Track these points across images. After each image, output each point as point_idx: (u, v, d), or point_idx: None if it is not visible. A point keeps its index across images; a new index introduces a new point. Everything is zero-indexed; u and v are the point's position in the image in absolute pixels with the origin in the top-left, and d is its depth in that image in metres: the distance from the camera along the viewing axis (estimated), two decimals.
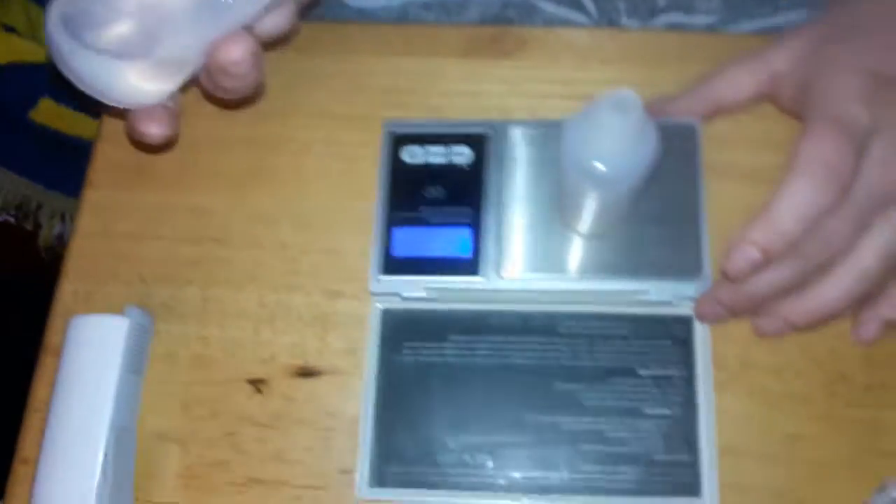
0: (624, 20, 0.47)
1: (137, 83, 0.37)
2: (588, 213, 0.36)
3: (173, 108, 0.39)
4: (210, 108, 0.45)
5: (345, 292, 0.41)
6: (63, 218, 0.74)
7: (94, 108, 0.66)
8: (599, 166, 0.32)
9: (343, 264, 0.42)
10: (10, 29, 0.66)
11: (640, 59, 0.44)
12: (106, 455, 0.37)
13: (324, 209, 0.43)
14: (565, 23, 0.48)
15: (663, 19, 0.47)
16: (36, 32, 0.68)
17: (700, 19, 0.47)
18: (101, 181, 0.45)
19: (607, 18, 0.48)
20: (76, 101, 0.66)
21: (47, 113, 0.66)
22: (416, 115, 0.44)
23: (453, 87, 0.45)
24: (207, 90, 0.40)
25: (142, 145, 0.43)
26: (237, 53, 0.36)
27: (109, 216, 0.44)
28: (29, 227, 0.73)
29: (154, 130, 0.38)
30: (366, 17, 0.50)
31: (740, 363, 0.39)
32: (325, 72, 0.46)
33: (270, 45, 0.41)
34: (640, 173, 0.33)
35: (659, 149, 0.32)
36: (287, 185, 0.44)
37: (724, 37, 0.46)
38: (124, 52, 0.36)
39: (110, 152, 0.45)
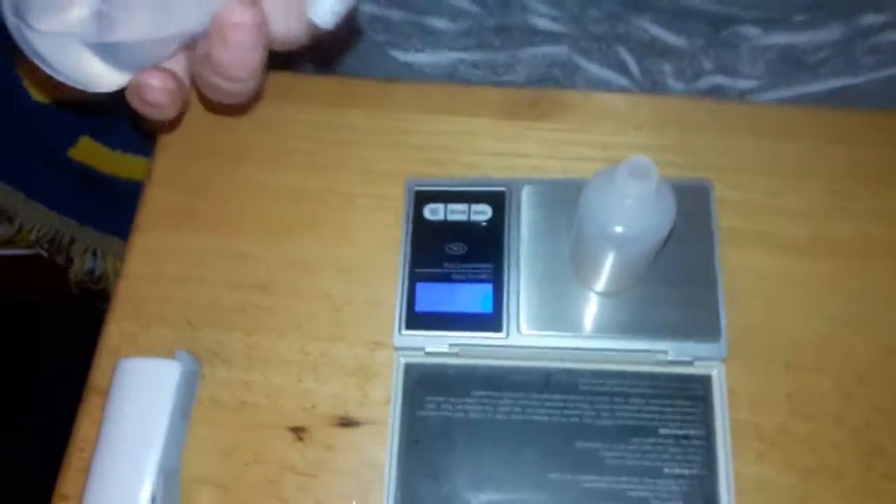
0: (669, 82, 0.49)
1: (95, 66, 0.36)
2: (606, 272, 0.38)
3: (178, 72, 0.38)
4: (256, 157, 0.47)
5: (385, 343, 0.42)
6: (94, 253, 0.75)
7: (134, 145, 0.68)
8: (617, 229, 0.33)
9: (383, 315, 0.43)
10: None
11: (674, 125, 0.46)
12: (153, 497, 0.38)
13: (365, 260, 0.44)
14: (609, 84, 0.49)
15: (706, 81, 0.49)
16: None
17: (742, 83, 0.49)
18: (149, 225, 0.46)
19: (651, 80, 0.49)
20: (115, 138, 0.68)
21: (86, 151, 0.68)
22: (452, 173, 0.45)
23: (491, 146, 0.46)
24: (201, 80, 0.39)
25: (146, 121, 0.42)
26: (244, 16, 0.33)
27: (157, 260, 0.45)
28: (61, 261, 0.74)
29: (154, 82, 0.36)
30: (413, 71, 0.51)
31: (777, 433, 0.39)
32: (369, 127, 0.47)
33: (284, 57, 0.39)
34: (655, 236, 0.34)
35: (674, 212, 0.34)
36: (330, 236, 0.45)
37: (758, 106, 0.48)
38: (81, 35, 0.35)
39: (159, 197, 0.47)
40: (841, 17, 0.47)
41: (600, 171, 0.34)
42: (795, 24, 0.48)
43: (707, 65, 0.49)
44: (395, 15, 0.52)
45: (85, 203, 0.72)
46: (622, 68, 0.50)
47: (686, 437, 0.39)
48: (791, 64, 0.49)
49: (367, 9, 0.53)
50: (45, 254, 0.76)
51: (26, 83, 0.66)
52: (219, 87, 0.38)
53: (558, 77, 0.49)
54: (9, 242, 0.73)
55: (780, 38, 0.49)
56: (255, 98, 0.44)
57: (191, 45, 0.38)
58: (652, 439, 0.39)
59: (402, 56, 0.51)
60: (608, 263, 0.37)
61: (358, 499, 0.40)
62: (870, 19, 0.47)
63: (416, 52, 0.51)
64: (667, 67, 0.49)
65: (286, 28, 0.36)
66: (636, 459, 0.39)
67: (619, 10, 0.49)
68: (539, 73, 0.49)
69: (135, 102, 0.38)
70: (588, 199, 0.34)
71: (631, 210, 0.33)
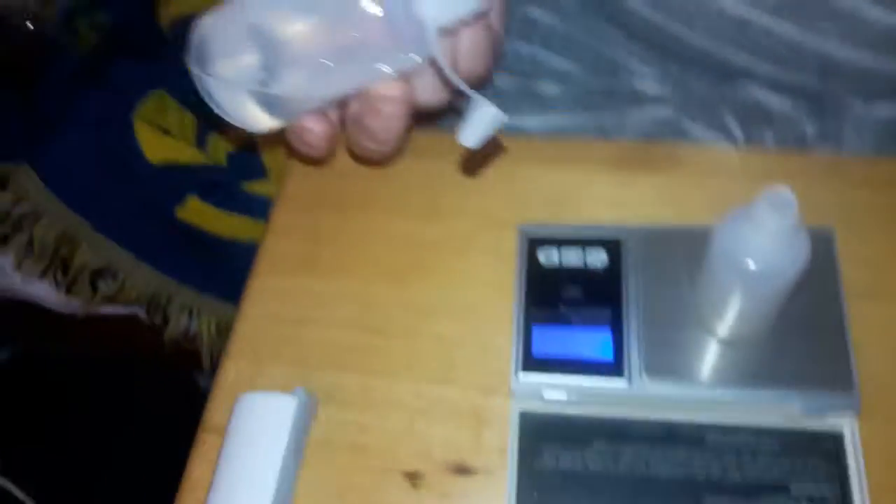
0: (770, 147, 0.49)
1: (255, 111, 0.39)
2: (734, 315, 0.37)
3: (333, 119, 0.41)
4: (375, 205, 0.48)
5: (498, 389, 0.42)
6: (191, 313, 0.77)
7: (239, 206, 0.71)
8: (750, 265, 0.33)
9: (495, 361, 0.42)
10: (166, 131, 0.72)
11: (789, 179, 0.45)
12: None
13: (480, 305, 0.44)
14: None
15: (810, 149, 0.49)
16: (187, 136, 0.75)
17: (846, 152, 0.49)
18: (268, 270, 0.47)
19: (753, 146, 0.50)
20: (221, 198, 0.70)
21: (193, 210, 0.70)
22: (566, 222, 0.46)
23: (604, 196, 0.47)
24: (352, 139, 0.42)
25: (300, 154, 0.45)
26: (395, 91, 0.37)
27: (275, 302, 0.46)
28: (157, 320, 0.76)
29: (314, 127, 0.40)
30: (521, 136, 0.53)
31: None
32: (485, 178, 0.48)
33: (425, 116, 0.43)
34: (789, 274, 0.33)
35: (809, 251, 0.33)
36: (445, 281, 0.45)
37: (880, 161, 0.47)
38: (246, 83, 0.38)
39: (278, 245, 0.48)
40: None
41: (735, 208, 0.34)
42: None
43: (810, 131, 0.49)
44: (502, 80, 0.54)
45: (186, 263, 0.75)
46: (726, 132, 0.50)
47: (820, 497, 0.37)
48: None
49: None
50: (142, 313, 0.78)
51: (142, 144, 0.69)
52: (365, 146, 0.41)
53: (667, 136, 0.50)
54: (110, 300, 0.75)
55: (885, 110, 0.49)
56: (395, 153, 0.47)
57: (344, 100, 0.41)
58: (783, 498, 0.37)
59: (509, 121, 0.53)
60: (737, 305, 0.36)
61: None
62: None
63: (524, 116, 0.53)
64: (769, 134, 0.50)
65: (429, 99, 0.40)
66: None
67: (722, 78, 0.49)
68: (647, 132, 0.50)
69: (294, 141, 0.41)
70: (721, 236, 0.34)
71: (766, 245, 0.33)
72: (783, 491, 0.37)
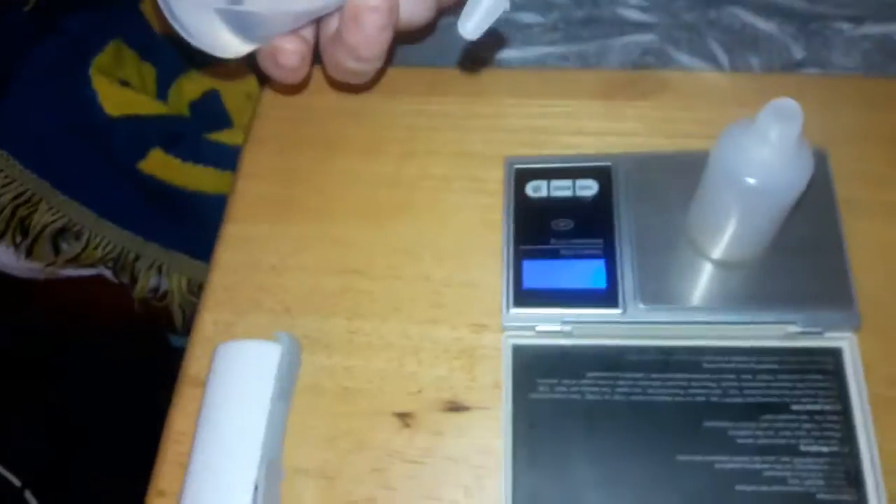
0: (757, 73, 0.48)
1: (225, 34, 0.37)
2: (731, 235, 0.36)
3: (307, 38, 0.39)
4: (350, 146, 0.46)
5: (489, 326, 0.41)
6: (160, 270, 0.74)
7: (204, 157, 0.68)
8: (753, 179, 0.32)
9: (484, 297, 0.41)
10: (124, 83, 0.69)
11: None
12: (257, 487, 0.36)
13: (463, 243, 0.43)
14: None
15: (798, 73, 0.48)
16: (147, 87, 0.71)
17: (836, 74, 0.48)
18: (241, 216, 0.45)
19: (739, 71, 0.48)
20: (185, 150, 0.67)
21: (156, 163, 0.67)
22: (552, 154, 0.44)
23: (590, 126, 0.45)
24: (330, 61, 0.40)
25: (274, 80, 0.42)
26: (375, 0, 0.35)
27: (251, 248, 0.44)
28: (125, 279, 0.74)
29: (289, 46, 0.38)
30: (501, 67, 0.51)
31: None
32: (463, 113, 0.46)
33: (409, 36, 0.41)
34: (791, 191, 0.32)
35: (812, 168, 0.32)
36: (427, 220, 0.44)
37: (869, 81, 0.46)
38: (211, 3, 0.36)
39: (251, 188, 0.46)
40: None
41: (735, 122, 0.33)
42: (891, 16, 0.47)
43: (797, 54, 0.48)
44: None
45: (151, 218, 0.72)
46: (711, 59, 0.49)
47: (821, 412, 0.37)
48: (889, 54, 0.48)
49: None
50: (109, 273, 0.75)
51: (100, 97, 0.66)
52: (346, 66, 0.39)
53: (651, 65, 0.48)
54: (74, 260, 0.72)
55: (875, 29, 0.48)
56: (377, 78, 0.45)
57: (316, 20, 0.39)
58: (784, 416, 0.37)
59: (489, 52, 0.51)
60: (735, 224, 0.35)
61: (470, 486, 0.37)
62: None
63: (504, 48, 0.51)
64: (755, 60, 0.48)
65: (412, 13, 0.38)
66: (769, 438, 0.36)
67: (707, 1, 0.48)
68: (631, 61, 0.49)
69: (267, 65, 0.40)
70: (721, 151, 0.32)
71: (768, 160, 0.31)
72: (784, 409, 0.37)
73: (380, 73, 0.46)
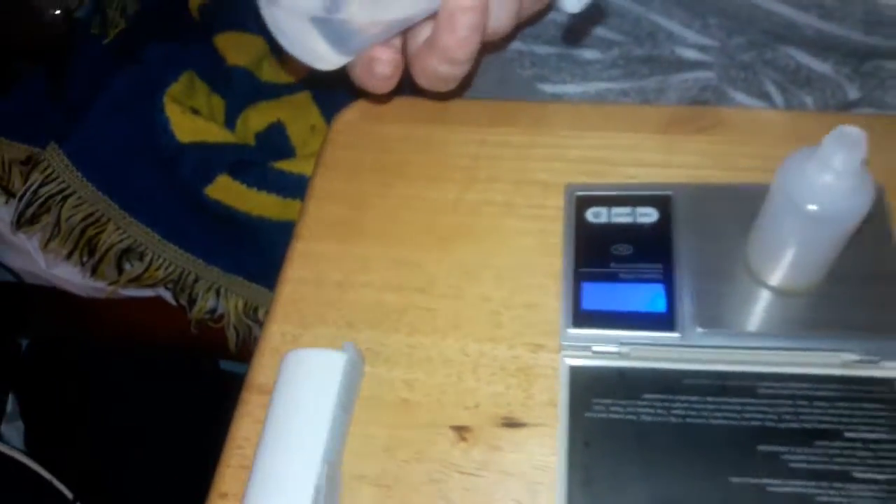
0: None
1: (321, 45, 0.39)
2: (790, 262, 0.36)
3: (399, 47, 0.41)
4: (415, 173, 0.48)
5: (546, 346, 0.42)
6: (218, 293, 0.77)
7: (270, 184, 0.71)
8: (811, 207, 0.33)
9: (542, 318, 0.42)
10: (195, 111, 0.72)
11: None
12: (318, 489, 0.37)
13: (523, 266, 0.44)
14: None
15: (853, 113, 0.49)
16: (216, 118, 0.75)
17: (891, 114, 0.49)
18: (309, 234, 0.47)
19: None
20: (252, 177, 0.70)
21: (222, 189, 0.70)
22: (612, 182, 0.46)
23: (650, 158, 0.46)
24: (420, 67, 0.41)
25: (367, 89, 0.44)
26: (469, 1, 0.37)
27: (317, 266, 0.46)
28: (184, 300, 0.76)
29: (383, 56, 0.40)
30: (562, 101, 0.53)
31: None
32: (525, 143, 0.48)
33: (484, 49, 0.42)
34: (852, 218, 0.33)
35: (873, 195, 0.33)
36: (488, 243, 0.45)
37: None
38: (311, 9, 0.38)
39: (320, 209, 0.48)
40: None
41: (799, 149, 0.34)
42: None
43: (852, 94, 0.49)
44: (542, 49, 0.54)
45: (213, 242, 0.75)
46: (766, 98, 0.50)
47: (876, 441, 0.37)
48: None
49: (513, 45, 0.55)
50: (168, 294, 0.78)
51: (172, 124, 0.70)
52: (438, 71, 0.41)
53: (710, 101, 0.50)
54: (136, 280, 0.75)
55: None
56: (464, 86, 0.46)
57: (405, 32, 0.41)
58: (839, 443, 0.37)
59: (549, 88, 0.53)
60: (795, 250, 0.36)
61: (525, 500, 0.38)
62: None
63: (565, 83, 0.53)
64: (809, 99, 0.50)
65: (497, 18, 0.39)
66: (823, 464, 0.36)
67: (764, 39, 0.49)
68: (689, 97, 0.50)
69: (362, 75, 0.42)
70: (783, 177, 0.34)
71: (830, 187, 0.32)
72: (839, 436, 0.37)
73: (461, 86, 0.48)
